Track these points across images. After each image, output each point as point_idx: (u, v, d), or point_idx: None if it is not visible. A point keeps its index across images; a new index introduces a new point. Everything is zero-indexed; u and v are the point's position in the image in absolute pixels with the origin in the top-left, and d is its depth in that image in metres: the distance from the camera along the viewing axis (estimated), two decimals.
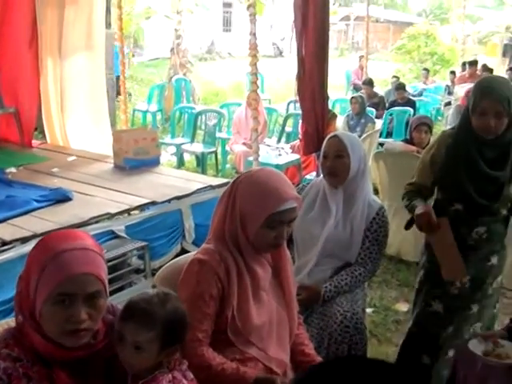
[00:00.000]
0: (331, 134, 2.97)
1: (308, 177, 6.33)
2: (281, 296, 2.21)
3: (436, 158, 2.78)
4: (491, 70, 13.64)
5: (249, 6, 5.44)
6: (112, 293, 3.59)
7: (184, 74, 13.26)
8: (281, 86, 16.21)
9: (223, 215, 2.09)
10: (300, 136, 5.84)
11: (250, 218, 2.03)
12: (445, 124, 8.95)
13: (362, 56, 13.61)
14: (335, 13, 25.72)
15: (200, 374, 1.86)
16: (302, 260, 2.87)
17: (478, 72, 13.36)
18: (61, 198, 4.42)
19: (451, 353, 2.89)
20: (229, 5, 29.67)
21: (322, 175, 2.98)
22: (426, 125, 5.12)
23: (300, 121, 5.57)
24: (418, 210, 2.67)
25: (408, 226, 2.87)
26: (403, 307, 4.35)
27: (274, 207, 1.99)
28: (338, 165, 2.84)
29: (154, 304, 1.68)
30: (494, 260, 2.88)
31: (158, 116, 11.15)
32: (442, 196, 2.87)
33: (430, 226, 2.65)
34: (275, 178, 2.07)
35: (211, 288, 2.00)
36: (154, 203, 4.53)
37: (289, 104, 10.02)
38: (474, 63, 13.14)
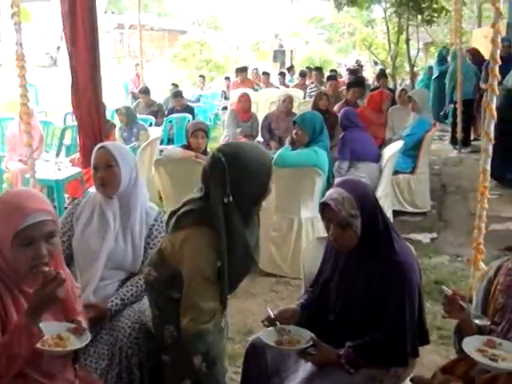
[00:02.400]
0: (98, 146, 2.96)
1: (91, 190, 6.14)
2: (62, 316, 2.16)
3: None
4: (268, 74, 14.59)
5: (13, 15, 5.12)
6: None
7: None
8: (58, 97, 15.57)
9: None
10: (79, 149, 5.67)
11: (0, 242, 1.94)
12: (222, 127, 9.29)
13: (138, 64, 13.56)
14: (108, 22, 25.34)
15: None
16: (85, 277, 2.78)
17: (249, 77, 14.15)
18: None
19: None
20: None
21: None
22: (201, 130, 5.24)
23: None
24: None
25: None
26: None
27: (18, 224, 1.92)
28: (108, 175, 2.82)
29: None
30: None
31: None
32: None
33: None
34: (20, 194, 2.02)
35: None
36: None
37: (66, 116, 9.66)
38: (244, 69, 13.85)
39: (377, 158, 5.94)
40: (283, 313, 2.57)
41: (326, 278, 2.61)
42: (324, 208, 2.44)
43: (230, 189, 2.22)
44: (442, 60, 12.40)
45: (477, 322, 2.13)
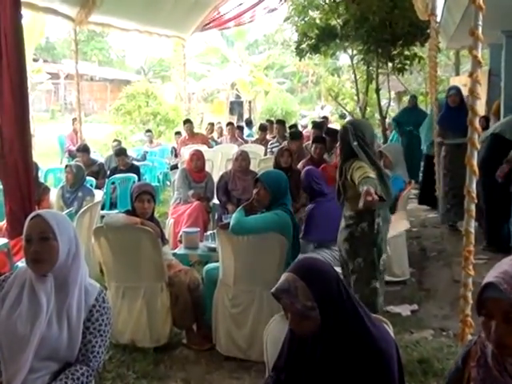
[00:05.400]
0: (33, 214, 2.86)
1: (20, 264, 6.03)
2: None
3: None
4: (232, 124, 14.83)
5: None
6: None
7: None
8: None
9: None
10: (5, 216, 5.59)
11: None
12: (172, 188, 9.26)
13: (76, 119, 13.54)
14: (40, 71, 25.33)
15: None
16: (11, 369, 2.67)
17: (209, 130, 14.33)
18: None
19: None
20: None
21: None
22: (147, 193, 5.16)
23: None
24: None
25: None
26: None
27: None
28: (44, 249, 2.74)
29: None
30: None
31: None
32: None
33: None
34: None
35: None
36: None
37: None
38: (186, 121, 13.93)
39: None
40: None
41: (291, 366, 2.57)
42: (277, 296, 2.45)
43: (357, 139, 4.38)
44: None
45: None
